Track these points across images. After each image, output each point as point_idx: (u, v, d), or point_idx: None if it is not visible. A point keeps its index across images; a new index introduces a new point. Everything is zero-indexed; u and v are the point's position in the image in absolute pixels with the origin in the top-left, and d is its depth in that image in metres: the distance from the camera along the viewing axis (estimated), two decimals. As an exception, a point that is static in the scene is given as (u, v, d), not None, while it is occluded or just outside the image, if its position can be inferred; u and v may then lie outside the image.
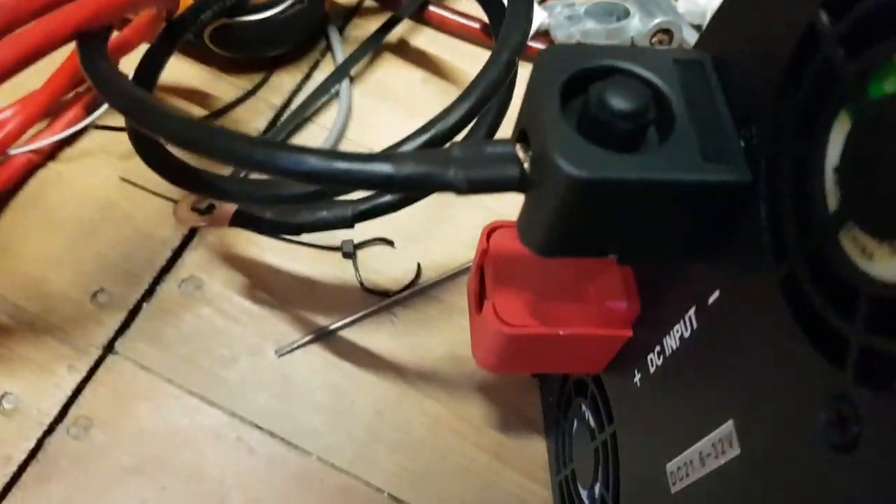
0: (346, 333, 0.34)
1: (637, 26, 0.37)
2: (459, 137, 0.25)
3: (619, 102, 0.16)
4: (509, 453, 0.33)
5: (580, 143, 0.16)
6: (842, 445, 0.13)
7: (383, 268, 0.35)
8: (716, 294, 0.18)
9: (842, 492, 0.13)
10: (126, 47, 0.33)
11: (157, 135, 0.19)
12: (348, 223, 0.27)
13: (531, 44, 0.39)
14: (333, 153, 0.18)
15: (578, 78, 0.17)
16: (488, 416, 0.33)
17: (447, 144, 0.20)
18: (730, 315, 0.17)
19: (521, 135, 0.18)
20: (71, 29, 0.23)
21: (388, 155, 0.18)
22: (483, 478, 0.32)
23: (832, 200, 0.14)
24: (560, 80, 0.17)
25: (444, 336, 0.34)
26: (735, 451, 0.17)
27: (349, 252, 0.35)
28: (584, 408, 0.28)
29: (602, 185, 0.16)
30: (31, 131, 0.35)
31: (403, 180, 0.18)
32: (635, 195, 0.16)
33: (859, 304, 0.13)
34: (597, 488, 0.26)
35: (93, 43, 0.23)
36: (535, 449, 0.33)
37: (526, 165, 0.18)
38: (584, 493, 0.28)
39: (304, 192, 0.25)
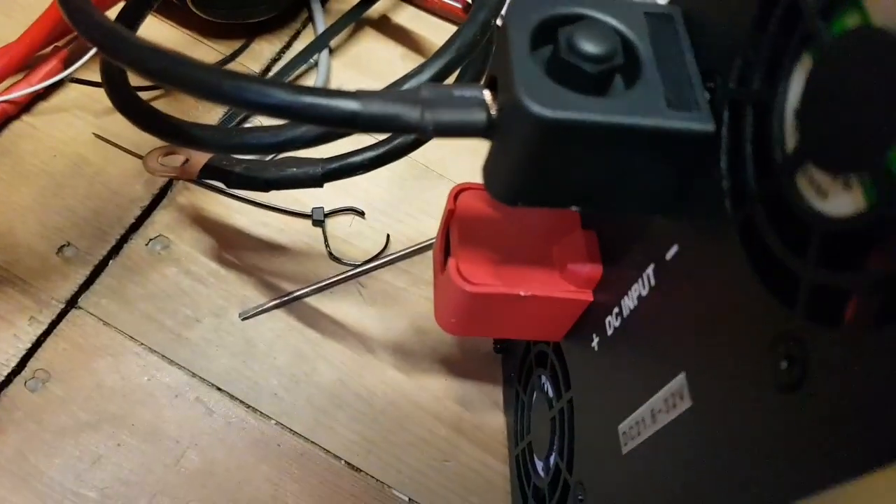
0: (312, 301, 0.34)
1: None
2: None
3: (587, 45, 0.16)
4: (469, 427, 0.32)
5: (548, 84, 0.16)
6: (788, 386, 0.14)
7: (353, 238, 0.35)
8: (674, 249, 0.18)
9: (788, 432, 0.14)
10: (104, 4, 0.33)
11: (126, 64, 0.19)
12: (318, 181, 0.27)
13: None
14: (300, 87, 0.18)
15: (548, 25, 0.17)
16: (450, 390, 0.33)
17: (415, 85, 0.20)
18: (687, 268, 0.18)
19: (491, 82, 0.18)
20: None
21: (355, 92, 0.18)
22: (442, 450, 0.32)
23: (791, 142, 0.14)
24: (531, 25, 0.17)
25: (409, 308, 0.34)
26: (686, 404, 0.17)
27: (319, 220, 0.34)
28: (543, 378, 0.28)
29: (567, 126, 0.16)
30: (6, 83, 0.34)
31: (369, 119, 0.18)
32: (599, 139, 0.16)
33: (811, 241, 0.13)
34: (552, 458, 0.26)
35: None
36: (495, 423, 0.33)
37: (493, 111, 0.18)
38: (539, 465, 0.28)
39: (269, 142, 0.25)
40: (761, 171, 0.15)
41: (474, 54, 0.24)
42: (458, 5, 0.39)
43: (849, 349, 0.12)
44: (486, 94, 0.18)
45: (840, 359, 0.12)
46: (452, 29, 0.41)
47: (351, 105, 0.17)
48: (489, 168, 0.19)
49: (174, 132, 0.24)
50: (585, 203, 0.19)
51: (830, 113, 0.13)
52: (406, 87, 0.23)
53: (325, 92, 0.18)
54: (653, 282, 0.19)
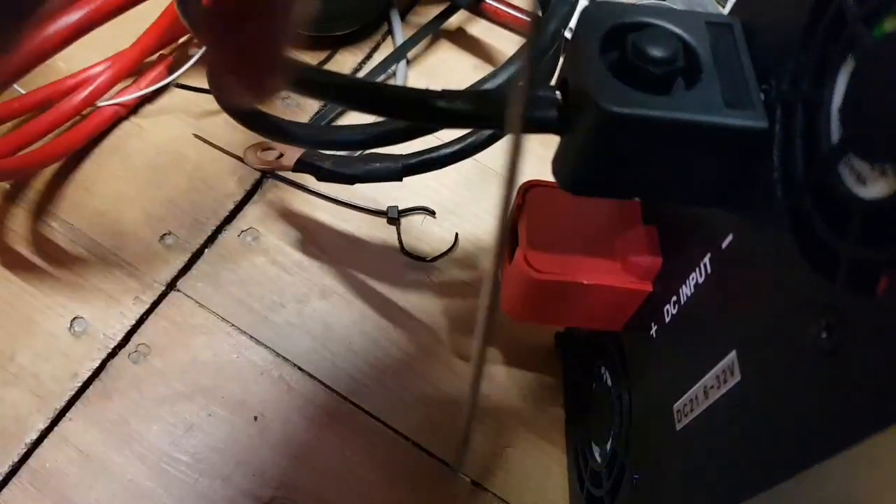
0: (385, 291, 0.36)
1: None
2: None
3: (652, 49, 0.18)
4: (530, 416, 0.34)
5: (615, 83, 0.18)
6: (827, 351, 0.15)
7: (423, 235, 0.38)
8: (729, 238, 0.20)
9: (826, 394, 0.15)
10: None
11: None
12: (397, 175, 0.29)
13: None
14: (397, 88, 0.20)
15: (617, 32, 0.19)
16: (512, 380, 0.35)
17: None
18: (741, 254, 0.19)
19: (562, 84, 0.20)
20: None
21: (441, 92, 0.20)
22: (504, 437, 0.34)
23: (835, 136, 0.16)
24: (601, 31, 0.19)
25: (475, 301, 0.36)
26: (736, 378, 0.19)
27: (394, 217, 0.37)
28: (602, 370, 0.29)
29: (631, 120, 0.18)
30: (118, 86, 0.38)
31: (455, 114, 0.20)
32: (661, 134, 0.18)
33: (852, 221, 0.15)
34: (609, 445, 0.28)
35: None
36: (555, 413, 0.34)
37: (564, 110, 0.20)
38: (596, 451, 0.30)
39: (356, 139, 0.27)
40: (809, 163, 0.16)
41: (544, 61, 0.26)
42: (528, 18, 0.42)
43: (880, 317, 0.14)
44: (558, 94, 0.20)
45: (872, 326, 0.14)
46: (522, 41, 0.43)
47: (439, 102, 0.20)
48: (559, 160, 0.21)
49: (276, 130, 0.27)
50: (647, 194, 0.21)
51: (869, 108, 0.15)
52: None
53: (415, 91, 0.20)
54: (709, 269, 0.21)
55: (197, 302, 0.35)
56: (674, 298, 0.23)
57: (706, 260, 0.21)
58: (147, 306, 0.35)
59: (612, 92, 0.18)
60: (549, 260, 0.25)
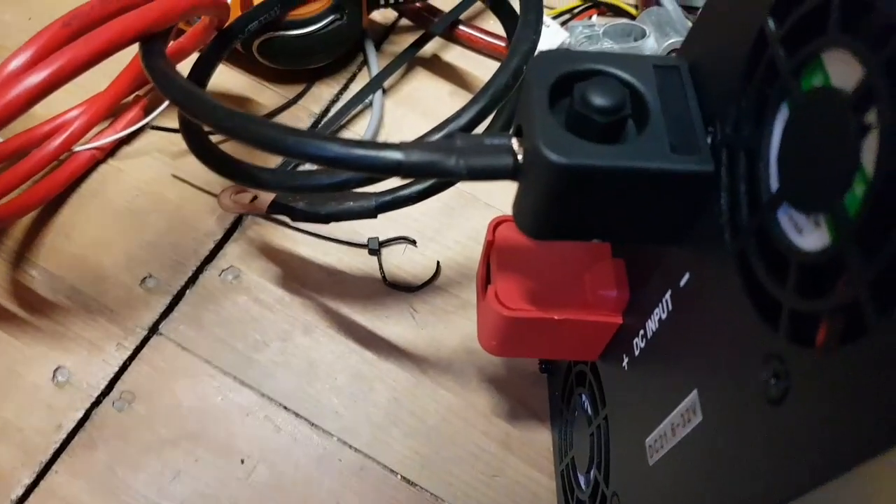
0: (369, 324, 0.36)
1: (652, 46, 0.39)
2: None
3: (597, 99, 0.18)
4: (517, 443, 0.34)
5: (563, 134, 0.18)
6: (775, 399, 0.15)
7: (405, 264, 0.38)
8: (686, 276, 0.20)
9: (777, 440, 0.15)
10: (181, 54, 0.36)
11: (205, 123, 0.22)
12: (372, 213, 0.29)
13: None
14: (352, 141, 0.20)
15: (566, 80, 0.19)
16: (498, 407, 0.35)
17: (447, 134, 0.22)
18: (696, 294, 0.19)
19: (518, 129, 0.20)
20: (136, 32, 0.26)
21: (398, 144, 0.20)
22: (491, 465, 0.34)
23: (774, 183, 0.16)
24: (549, 81, 0.19)
25: (458, 330, 0.36)
26: (698, 418, 0.19)
27: (374, 249, 0.37)
28: (583, 397, 0.30)
29: (581, 171, 0.18)
30: (94, 130, 0.38)
31: (411, 166, 0.20)
32: (611, 182, 0.18)
33: (790, 271, 0.15)
34: (591, 472, 0.28)
35: (153, 45, 0.26)
36: (542, 440, 0.34)
37: (519, 157, 0.20)
38: (581, 479, 0.30)
39: (326, 183, 0.27)
40: (752, 208, 0.17)
41: (507, 98, 0.27)
42: (502, 44, 0.42)
43: (821, 367, 0.14)
44: (514, 142, 0.20)
45: (815, 376, 0.14)
46: (497, 65, 0.44)
47: (395, 156, 0.20)
48: (517, 206, 0.21)
49: (246, 176, 0.27)
50: (605, 236, 0.21)
51: (802, 159, 0.15)
52: (445, 131, 0.26)
53: (373, 145, 0.20)
54: (670, 306, 0.21)
55: (180, 345, 0.35)
56: (641, 332, 0.23)
57: (667, 296, 0.21)
58: (130, 352, 0.35)
59: (559, 143, 0.18)
60: (520, 296, 0.25)
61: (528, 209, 0.20)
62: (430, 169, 0.20)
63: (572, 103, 0.19)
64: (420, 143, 0.20)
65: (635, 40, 0.39)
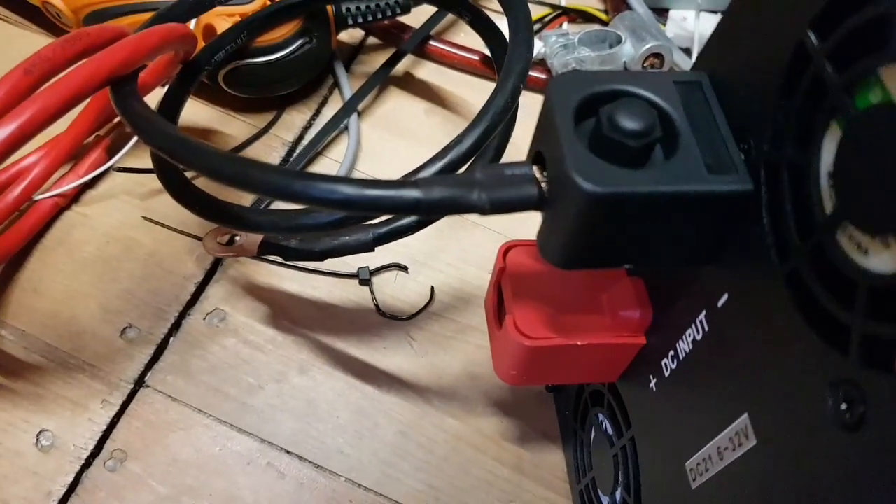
0: (367, 358, 0.35)
1: (629, 52, 0.39)
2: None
3: (628, 122, 0.17)
4: (529, 466, 0.34)
5: (594, 160, 0.17)
6: (850, 425, 0.15)
7: (398, 292, 0.37)
8: (724, 297, 0.19)
9: (851, 468, 0.15)
10: (144, 89, 0.34)
11: (197, 170, 0.21)
12: (369, 246, 0.28)
13: (529, 73, 0.41)
14: (365, 182, 0.19)
15: (588, 102, 0.19)
16: (507, 431, 0.34)
17: (463, 169, 0.21)
18: (739, 315, 0.19)
19: (536, 156, 0.20)
20: (105, 76, 0.25)
21: (415, 181, 0.19)
22: (506, 491, 0.33)
23: (828, 202, 0.15)
24: (573, 104, 0.18)
25: (459, 355, 0.35)
26: (751, 443, 0.18)
27: (365, 279, 0.36)
28: (601, 417, 0.29)
29: (616, 199, 0.17)
30: (55, 175, 0.36)
31: (431, 204, 0.19)
32: (647, 207, 0.18)
33: (858, 295, 0.14)
34: (618, 493, 0.27)
35: (125, 87, 0.25)
36: (554, 460, 0.34)
37: (543, 185, 0.19)
38: (605, 500, 0.29)
39: (325, 221, 0.26)
40: (803, 229, 0.16)
41: (506, 119, 0.26)
42: (476, 58, 0.41)
43: (905, 393, 0.13)
44: (535, 171, 0.19)
45: (894, 402, 0.14)
46: (471, 80, 0.43)
47: (413, 194, 0.19)
48: (544, 237, 0.20)
49: (234, 218, 0.26)
50: (636, 261, 0.20)
51: (863, 178, 0.14)
52: (447, 158, 0.25)
53: (388, 184, 0.19)
54: (706, 327, 0.20)
55: (169, 396, 0.33)
56: (671, 353, 0.22)
57: (702, 317, 0.20)
58: (116, 408, 0.33)
59: (591, 171, 0.17)
60: (540, 324, 0.24)
61: (556, 239, 0.19)
62: (452, 205, 0.19)
63: (599, 127, 0.18)
64: (438, 178, 0.19)
65: (611, 47, 0.39)
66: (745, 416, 0.18)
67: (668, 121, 0.18)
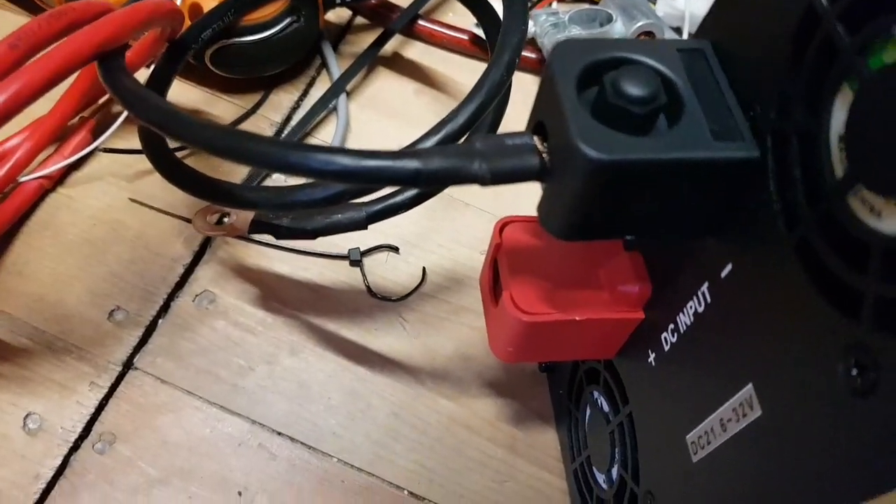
0: (359, 339, 0.35)
1: (620, 30, 0.39)
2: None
3: (633, 88, 0.17)
4: (523, 446, 0.33)
5: (599, 128, 0.17)
6: (862, 391, 0.15)
7: (390, 273, 0.36)
8: (728, 267, 0.19)
9: (864, 434, 0.15)
10: (131, 69, 0.34)
11: (191, 144, 0.20)
12: (362, 224, 0.28)
13: (521, 51, 0.41)
14: (363, 152, 0.19)
15: (590, 70, 0.18)
16: (500, 412, 0.34)
17: (464, 139, 0.21)
18: (744, 285, 0.19)
19: (537, 126, 0.19)
20: (92, 50, 0.24)
21: (415, 151, 0.19)
22: (499, 471, 0.33)
23: (838, 167, 0.15)
24: (576, 71, 0.18)
25: (452, 336, 0.35)
26: (756, 413, 0.18)
27: (356, 260, 0.36)
28: (596, 394, 0.29)
29: (622, 166, 0.17)
30: (40, 157, 0.36)
31: (431, 174, 0.19)
32: (652, 175, 0.17)
33: (872, 257, 0.14)
34: (614, 470, 0.27)
35: (113, 61, 0.24)
36: (548, 440, 0.34)
37: (544, 155, 0.19)
38: (601, 478, 0.29)
39: (319, 197, 0.26)
40: (812, 195, 0.16)
41: (502, 94, 0.25)
42: (465, 38, 0.41)
43: (919, 356, 0.13)
44: (536, 140, 0.19)
45: (912, 364, 0.13)
46: (460, 60, 0.42)
47: (413, 164, 0.18)
48: (545, 208, 0.20)
49: (226, 196, 0.25)
50: (640, 232, 0.20)
51: (876, 139, 0.14)
52: (443, 132, 0.24)
53: (387, 154, 0.19)
54: (708, 299, 0.20)
55: (158, 378, 0.33)
56: (671, 327, 0.22)
57: (704, 289, 0.20)
58: (105, 391, 0.32)
59: (596, 138, 0.17)
60: (538, 299, 0.24)
61: (558, 210, 0.19)
62: (452, 175, 0.19)
63: (603, 94, 0.18)
64: (438, 148, 0.19)
65: (601, 25, 0.39)
66: (750, 386, 0.18)
67: (672, 88, 0.18)
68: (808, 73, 0.16)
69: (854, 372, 0.15)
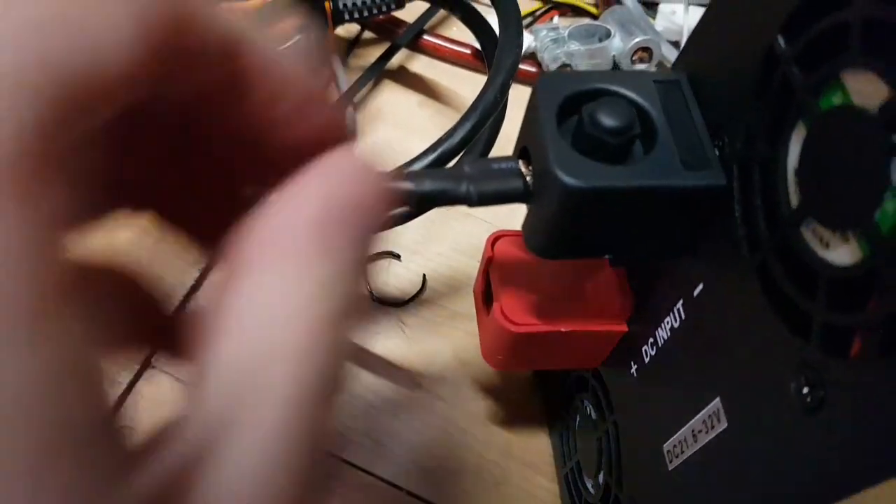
0: (360, 341, 0.36)
1: (618, 46, 0.40)
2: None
3: (608, 120, 0.18)
4: (517, 449, 0.35)
5: (576, 157, 0.18)
6: (811, 409, 0.16)
7: (391, 280, 0.38)
8: (700, 286, 0.20)
9: (814, 450, 0.16)
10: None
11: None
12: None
13: (520, 66, 0.42)
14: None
15: (571, 100, 0.20)
16: (495, 415, 0.35)
17: (454, 162, 0.22)
18: (713, 304, 0.20)
19: (522, 152, 0.20)
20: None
21: (407, 174, 0.20)
22: (493, 473, 0.34)
23: (794, 198, 0.16)
24: (556, 103, 0.19)
25: (450, 341, 0.36)
26: (723, 425, 0.19)
27: (360, 266, 0.37)
28: (585, 402, 0.30)
29: (596, 193, 0.18)
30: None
31: (422, 196, 0.20)
32: (625, 201, 0.19)
33: (819, 285, 0.15)
34: (601, 476, 0.29)
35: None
36: (542, 444, 0.35)
37: (528, 179, 0.20)
38: (589, 483, 0.30)
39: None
40: (771, 223, 0.17)
41: (496, 113, 0.27)
42: (468, 52, 0.42)
43: (858, 378, 0.14)
44: (521, 165, 0.20)
45: (851, 386, 0.15)
46: (463, 73, 0.44)
47: (406, 186, 0.20)
48: (528, 228, 0.21)
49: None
50: (616, 252, 0.21)
51: (825, 176, 0.15)
52: (439, 151, 0.26)
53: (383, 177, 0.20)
54: (682, 315, 0.21)
55: (175, 377, 0.34)
56: (651, 340, 0.23)
57: (679, 306, 0.21)
58: (124, 387, 0.34)
59: (573, 166, 0.18)
60: (526, 311, 0.25)
61: (539, 231, 0.20)
62: (441, 197, 0.20)
63: (581, 125, 0.19)
64: (429, 171, 0.20)
65: (600, 41, 0.40)
66: (718, 400, 0.19)
67: (646, 118, 0.19)
68: (769, 109, 0.17)
69: (805, 390, 0.16)
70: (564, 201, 0.18)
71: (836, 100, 0.15)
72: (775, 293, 0.17)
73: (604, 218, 0.19)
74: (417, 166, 0.24)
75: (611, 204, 0.19)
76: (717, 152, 0.19)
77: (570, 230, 0.20)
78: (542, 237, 0.20)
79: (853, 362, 0.15)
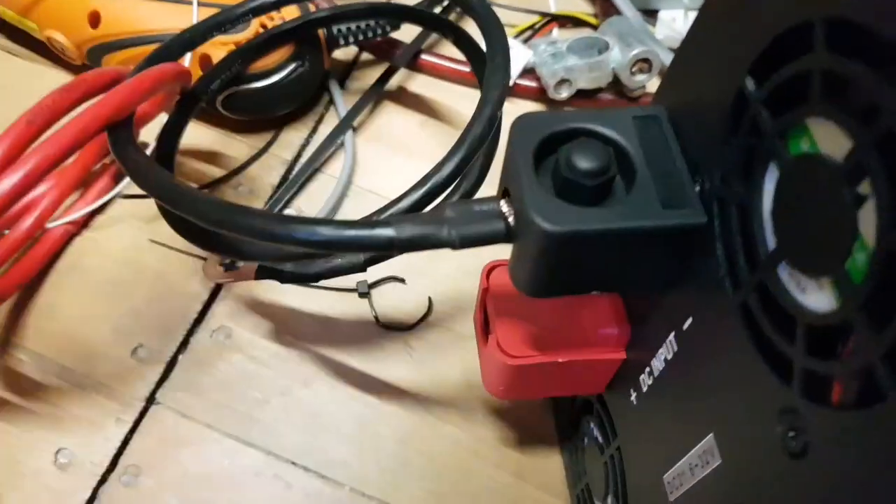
0: (367, 369, 0.36)
1: (617, 58, 0.39)
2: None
3: (584, 163, 0.18)
4: (529, 471, 0.35)
5: (552, 201, 0.18)
6: (795, 453, 0.15)
7: (397, 304, 0.38)
8: (689, 320, 0.20)
9: (799, 494, 0.16)
10: (145, 119, 0.36)
11: (189, 216, 0.22)
12: (361, 267, 0.29)
13: (520, 82, 0.42)
14: (342, 223, 0.20)
15: (549, 141, 0.20)
16: (506, 437, 0.35)
17: (435, 204, 0.22)
18: (702, 339, 0.20)
19: (504, 192, 0.20)
20: (100, 124, 0.26)
21: (388, 220, 0.20)
22: (506, 496, 0.34)
23: (770, 239, 0.16)
24: (532, 146, 0.19)
25: (457, 364, 0.36)
26: (717, 461, 0.19)
27: (364, 292, 0.37)
28: (591, 425, 0.30)
29: (573, 236, 0.18)
30: (65, 202, 0.38)
31: (404, 242, 0.20)
32: (604, 243, 0.18)
33: (798, 331, 0.15)
34: (609, 499, 0.28)
35: (121, 132, 0.26)
36: (553, 465, 0.35)
37: (510, 219, 0.20)
38: (599, 504, 0.30)
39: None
40: (751, 263, 0.17)
41: (484, 146, 0.27)
42: (467, 69, 0.42)
43: (840, 425, 0.14)
44: (504, 204, 0.20)
45: (834, 433, 0.14)
46: (463, 90, 0.44)
47: (387, 233, 0.20)
48: (513, 267, 0.21)
49: (229, 248, 0.27)
50: (602, 288, 0.21)
51: (798, 220, 0.15)
52: (427, 186, 0.26)
53: (363, 224, 0.20)
54: (675, 347, 0.21)
55: (180, 413, 0.35)
56: (647, 370, 0.23)
57: (671, 338, 0.21)
58: (130, 426, 0.34)
59: (549, 210, 0.18)
60: (522, 342, 0.25)
61: (523, 270, 0.20)
62: (423, 242, 0.20)
63: (558, 168, 0.19)
64: (410, 216, 0.20)
65: (599, 53, 0.39)
66: (711, 436, 0.19)
67: (625, 157, 0.19)
68: (742, 149, 0.17)
69: (790, 434, 0.16)
70: (543, 245, 0.18)
71: (805, 145, 0.15)
72: (758, 334, 0.17)
73: (586, 258, 0.19)
74: (405, 203, 0.24)
75: (591, 245, 0.19)
76: (697, 188, 0.19)
77: (552, 271, 0.19)
78: (527, 277, 0.20)
79: (834, 410, 0.14)
